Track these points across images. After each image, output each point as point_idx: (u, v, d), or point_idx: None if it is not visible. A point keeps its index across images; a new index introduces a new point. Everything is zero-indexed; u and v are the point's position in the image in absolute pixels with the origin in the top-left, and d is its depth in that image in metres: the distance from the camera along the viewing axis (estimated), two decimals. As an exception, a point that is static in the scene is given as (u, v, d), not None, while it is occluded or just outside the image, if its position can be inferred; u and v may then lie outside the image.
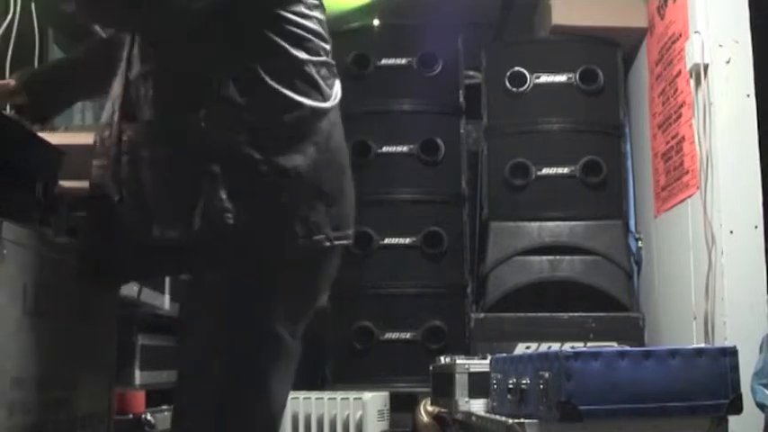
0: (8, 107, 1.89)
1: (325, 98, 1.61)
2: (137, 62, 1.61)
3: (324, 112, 1.60)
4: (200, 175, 1.49)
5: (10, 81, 1.88)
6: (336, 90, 1.66)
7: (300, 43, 1.59)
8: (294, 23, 1.58)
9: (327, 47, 1.66)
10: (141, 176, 1.54)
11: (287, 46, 1.57)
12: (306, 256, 1.57)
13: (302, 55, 1.58)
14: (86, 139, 2.08)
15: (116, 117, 1.60)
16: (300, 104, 1.56)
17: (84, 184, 2.09)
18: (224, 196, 1.49)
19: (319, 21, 1.65)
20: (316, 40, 1.62)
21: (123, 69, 1.63)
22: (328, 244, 1.58)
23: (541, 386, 2.18)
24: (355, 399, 3.51)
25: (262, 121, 1.53)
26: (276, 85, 1.55)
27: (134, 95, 1.59)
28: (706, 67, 3.27)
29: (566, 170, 4.00)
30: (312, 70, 1.60)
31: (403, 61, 4.15)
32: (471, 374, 2.89)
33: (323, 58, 1.63)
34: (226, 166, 1.50)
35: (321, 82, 1.61)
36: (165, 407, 2.60)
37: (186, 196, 1.50)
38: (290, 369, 1.63)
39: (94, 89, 1.96)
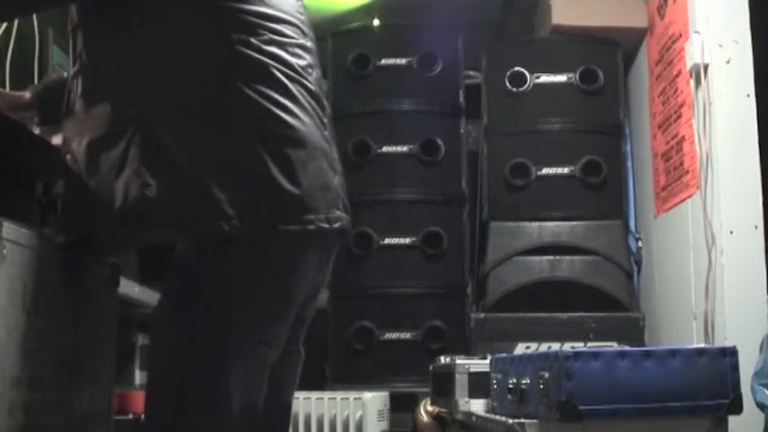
0: None
1: (261, 81, 1.55)
2: (71, 65, 1.65)
3: (259, 93, 1.54)
4: (122, 158, 1.51)
5: (25, 93, 1.90)
6: (293, 71, 1.60)
7: (237, 25, 1.55)
8: (231, 9, 1.56)
9: (278, 27, 1.60)
10: (74, 169, 1.57)
11: (216, 26, 1.55)
12: (245, 242, 1.51)
13: (237, 35, 1.55)
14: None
15: None
16: (224, 85, 1.53)
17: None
18: (145, 172, 1.49)
19: (264, 2, 1.60)
20: (258, 20, 1.57)
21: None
22: (271, 231, 1.52)
23: (541, 386, 2.18)
24: (355, 399, 3.51)
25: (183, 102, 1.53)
26: (201, 68, 1.54)
27: (71, 95, 1.62)
28: (706, 67, 3.27)
29: (566, 170, 4.00)
30: (246, 50, 1.54)
31: (403, 61, 4.15)
32: (471, 374, 2.89)
33: (268, 37, 1.57)
34: (145, 151, 1.50)
35: (262, 59, 1.55)
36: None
37: (108, 178, 1.52)
38: (254, 375, 1.57)
39: None
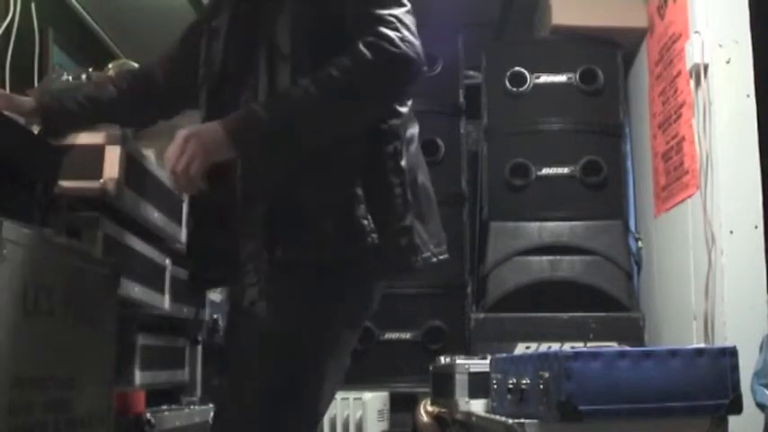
0: None
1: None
2: (262, 93, 1.62)
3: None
4: (345, 198, 1.56)
5: (28, 99, 1.88)
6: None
7: None
8: None
9: None
10: (290, 199, 1.58)
11: None
12: (410, 269, 1.64)
13: None
14: (87, 139, 2.09)
15: None
16: (410, 135, 1.69)
17: (85, 184, 2.09)
18: (368, 218, 1.56)
19: None
20: None
21: (245, 97, 1.65)
22: (434, 260, 1.69)
23: (541, 386, 2.18)
24: (355, 399, 3.51)
25: (394, 149, 1.63)
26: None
27: None
28: (706, 67, 3.27)
29: (566, 170, 4.01)
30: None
31: (403, 61, 4.14)
32: (471, 374, 2.89)
33: None
34: (368, 190, 1.58)
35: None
36: (164, 407, 2.60)
37: (335, 219, 1.56)
38: (343, 359, 1.68)
39: (112, 121, 2.02)
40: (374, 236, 1.55)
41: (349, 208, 1.56)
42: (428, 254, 1.67)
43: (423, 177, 1.75)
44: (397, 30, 1.52)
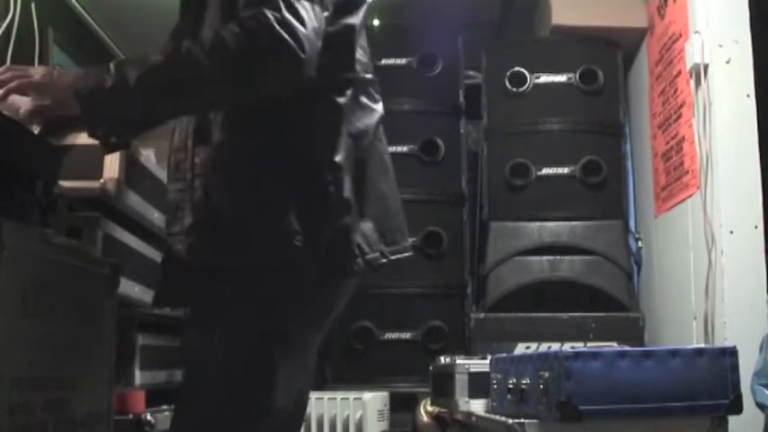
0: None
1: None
2: None
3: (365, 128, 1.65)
4: (270, 198, 1.51)
5: (27, 98, 1.88)
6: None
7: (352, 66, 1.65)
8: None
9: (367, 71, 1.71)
10: (213, 200, 1.54)
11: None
12: (349, 272, 1.59)
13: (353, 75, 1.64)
14: (87, 139, 2.08)
15: (190, 141, 1.59)
16: (363, 127, 1.63)
17: (85, 184, 2.10)
18: (293, 218, 1.50)
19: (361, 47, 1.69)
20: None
21: None
22: (384, 261, 1.61)
23: (541, 386, 2.18)
24: (355, 399, 3.51)
25: (328, 143, 1.56)
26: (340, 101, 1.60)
27: (205, 119, 1.58)
28: (706, 67, 3.27)
29: (566, 170, 4.01)
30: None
31: (403, 61, 4.15)
32: (471, 374, 2.89)
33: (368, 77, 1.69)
34: (296, 189, 1.52)
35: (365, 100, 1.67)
36: (165, 407, 2.60)
37: (258, 221, 1.51)
38: (304, 363, 1.66)
39: None
40: (299, 237, 1.49)
41: (273, 209, 1.51)
42: (374, 255, 1.59)
43: (376, 173, 1.69)
44: (277, 10, 1.44)
